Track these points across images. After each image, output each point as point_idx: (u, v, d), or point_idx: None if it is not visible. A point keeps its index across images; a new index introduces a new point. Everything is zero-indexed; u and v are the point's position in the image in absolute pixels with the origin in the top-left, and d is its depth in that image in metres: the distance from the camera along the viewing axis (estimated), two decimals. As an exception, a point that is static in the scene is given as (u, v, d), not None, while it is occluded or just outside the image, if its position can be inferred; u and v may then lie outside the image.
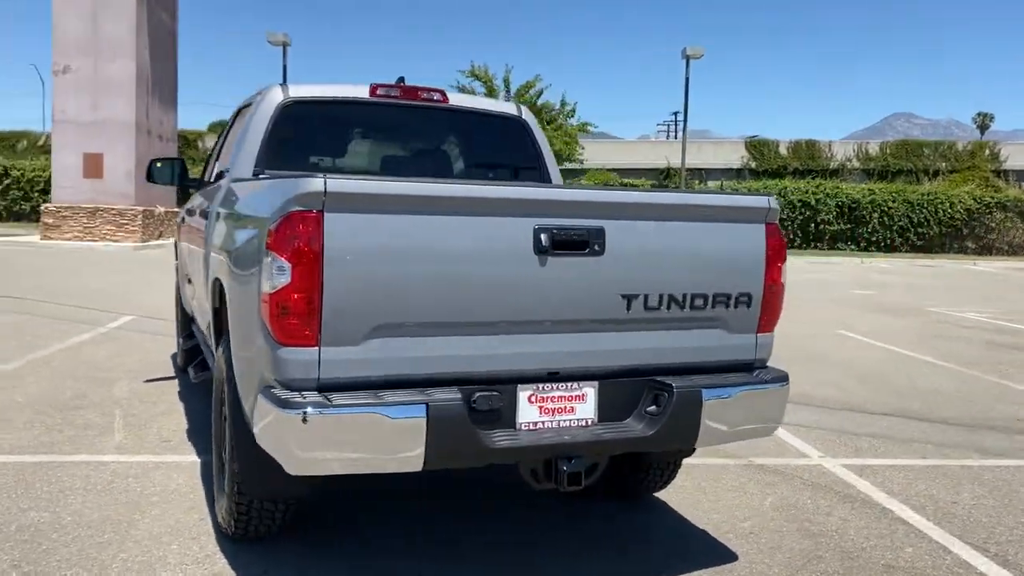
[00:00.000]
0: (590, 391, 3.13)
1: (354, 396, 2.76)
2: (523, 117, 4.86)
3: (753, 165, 38.75)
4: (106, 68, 23.75)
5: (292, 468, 2.76)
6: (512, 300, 2.95)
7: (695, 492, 4.50)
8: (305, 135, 4.54)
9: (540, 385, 3.05)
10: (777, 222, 3.40)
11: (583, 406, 3.12)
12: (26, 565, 3.34)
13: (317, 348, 2.75)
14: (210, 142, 36.97)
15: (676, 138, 53.41)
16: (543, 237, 2.92)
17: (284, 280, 2.68)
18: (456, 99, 4.79)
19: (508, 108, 4.88)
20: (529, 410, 3.05)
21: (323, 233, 2.68)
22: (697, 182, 34.59)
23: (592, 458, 3.15)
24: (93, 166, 23.84)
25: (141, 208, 24.25)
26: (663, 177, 36.09)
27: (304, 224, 2.67)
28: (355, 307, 2.75)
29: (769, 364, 3.51)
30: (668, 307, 3.18)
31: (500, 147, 5.03)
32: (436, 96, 4.70)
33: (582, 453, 3.07)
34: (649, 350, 3.21)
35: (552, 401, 3.08)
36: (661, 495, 4.39)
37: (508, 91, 30.01)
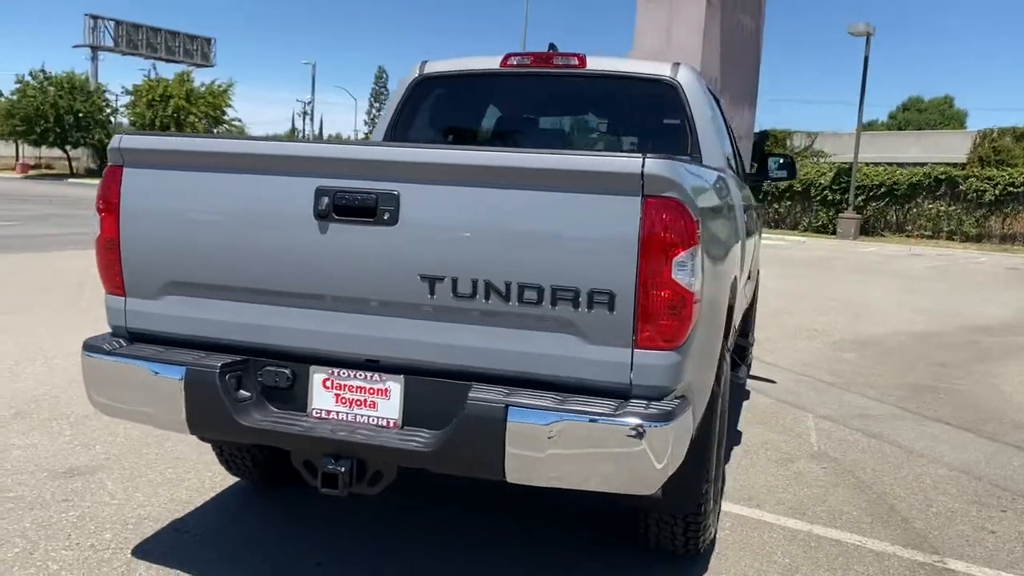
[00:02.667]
0: (395, 387, 2.64)
1: (137, 348, 2.83)
2: (676, 79, 4.07)
3: None
4: (672, 73, 25.50)
5: (95, 407, 2.95)
6: (294, 270, 2.66)
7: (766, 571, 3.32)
8: (435, 111, 4.53)
9: (336, 371, 2.69)
10: (677, 196, 2.37)
11: (386, 403, 2.65)
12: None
13: (124, 298, 2.89)
14: (798, 141, 36.90)
15: None
16: (324, 200, 2.57)
17: (97, 230, 2.88)
18: (598, 62, 4.24)
19: (659, 69, 4.13)
20: (323, 396, 2.71)
21: (120, 186, 2.81)
22: None
23: (378, 464, 2.65)
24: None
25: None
26: None
27: (109, 178, 2.83)
28: (148, 261, 2.82)
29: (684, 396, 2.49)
30: (486, 297, 2.50)
31: (644, 114, 4.33)
32: (573, 61, 4.25)
33: (350, 455, 2.62)
34: (470, 349, 2.56)
35: (350, 391, 2.69)
36: (713, 561, 3.35)
37: None
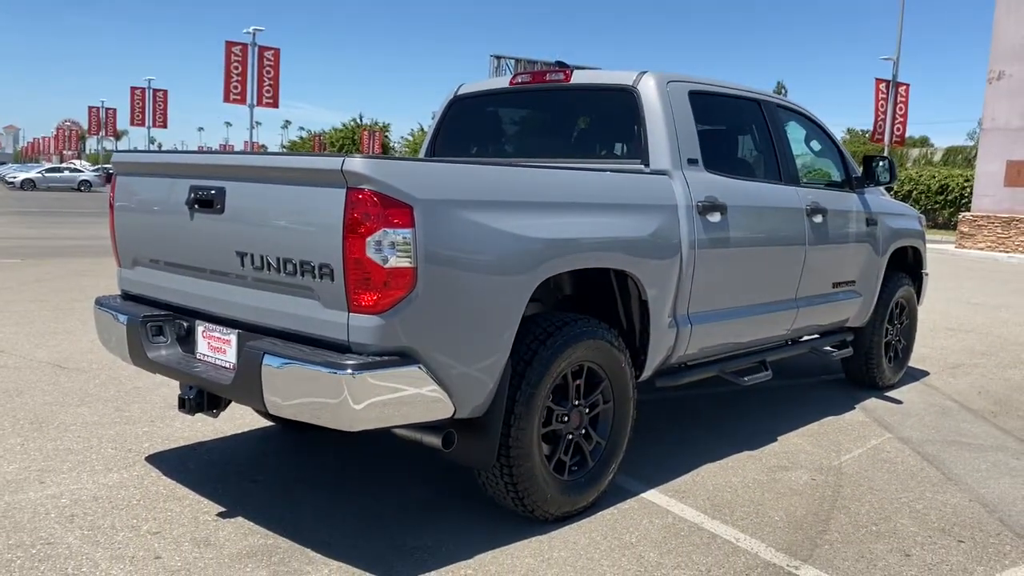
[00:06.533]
0: (233, 338, 3.46)
1: (119, 303, 3.97)
2: (635, 87, 4.33)
3: None
4: (1041, 70, 22.28)
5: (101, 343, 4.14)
6: (183, 247, 3.62)
7: None
8: (464, 126, 5.19)
9: (208, 325, 3.59)
10: (373, 188, 2.90)
11: (230, 350, 3.48)
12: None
13: (120, 268, 4.07)
14: None
15: None
16: (192, 195, 3.50)
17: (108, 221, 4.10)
18: (579, 75, 4.64)
19: (622, 78, 4.41)
20: (203, 343, 3.63)
21: (114, 190, 3.99)
22: None
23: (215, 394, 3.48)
24: (1014, 174, 22.67)
25: (1062, 219, 22.00)
26: None
27: (111, 184, 4.04)
28: (125, 241, 3.97)
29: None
30: (268, 269, 3.23)
31: (611, 119, 4.61)
32: (560, 76, 4.70)
33: (195, 385, 3.49)
34: (265, 310, 3.30)
35: (214, 340, 3.57)
36: (562, 526, 3.64)
37: None
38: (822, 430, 5.35)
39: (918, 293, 6.85)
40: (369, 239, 2.91)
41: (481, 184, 3.31)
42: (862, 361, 6.26)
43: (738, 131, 5.09)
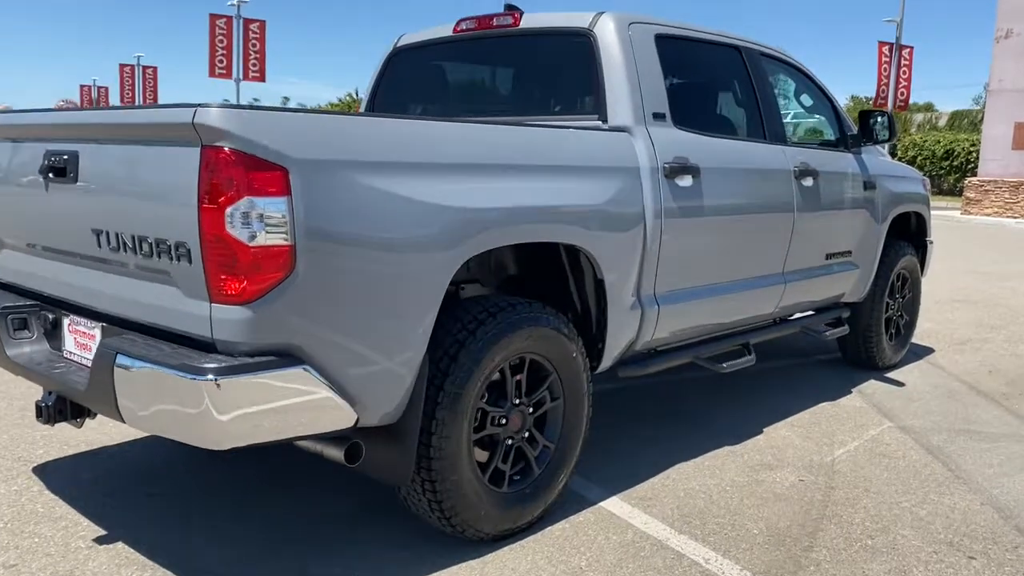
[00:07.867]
0: (98, 333, 2.88)
1: None
2: (592, 30, 3.71)
3: None
4: None
5: None
6: (43, 225, 3.04)
7: None
8: (405, 81, 4.58)
9: (73, 317, 3.01)
10: (233, 146, 2.30)
11: (95, 346, 2.91)
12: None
13: (-10, 254, 3.49)
14: None
15: None
16: (46, 162, 2.91)
17: None
18: (528, 19, 4.02)
19: (577, 20, 3.79)
20: (70, 339, 3.05)
21: None
22: None
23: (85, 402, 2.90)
24: (1022, 137, 21.93)
25: (1073, 183, 21.30)
26: None
27: None
28: None
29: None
30: (124, 249, 2.65)
31: (561, 72, 4.01)
32: (508, 20, 4.08)
33: (51, 390, 2.92)
34: (127, 300, 2.72)
35: (80, 335, 2.99)
36: (502, 547, 3.08)
37: None
38: (814, 419, 4.78)
39: (922, 263, 6.25)
40: (230, 210, 2.32)
41: (383, 142, 2.70)
42: (860, 340, 5.67)
43: (714, 82, 4.47)
